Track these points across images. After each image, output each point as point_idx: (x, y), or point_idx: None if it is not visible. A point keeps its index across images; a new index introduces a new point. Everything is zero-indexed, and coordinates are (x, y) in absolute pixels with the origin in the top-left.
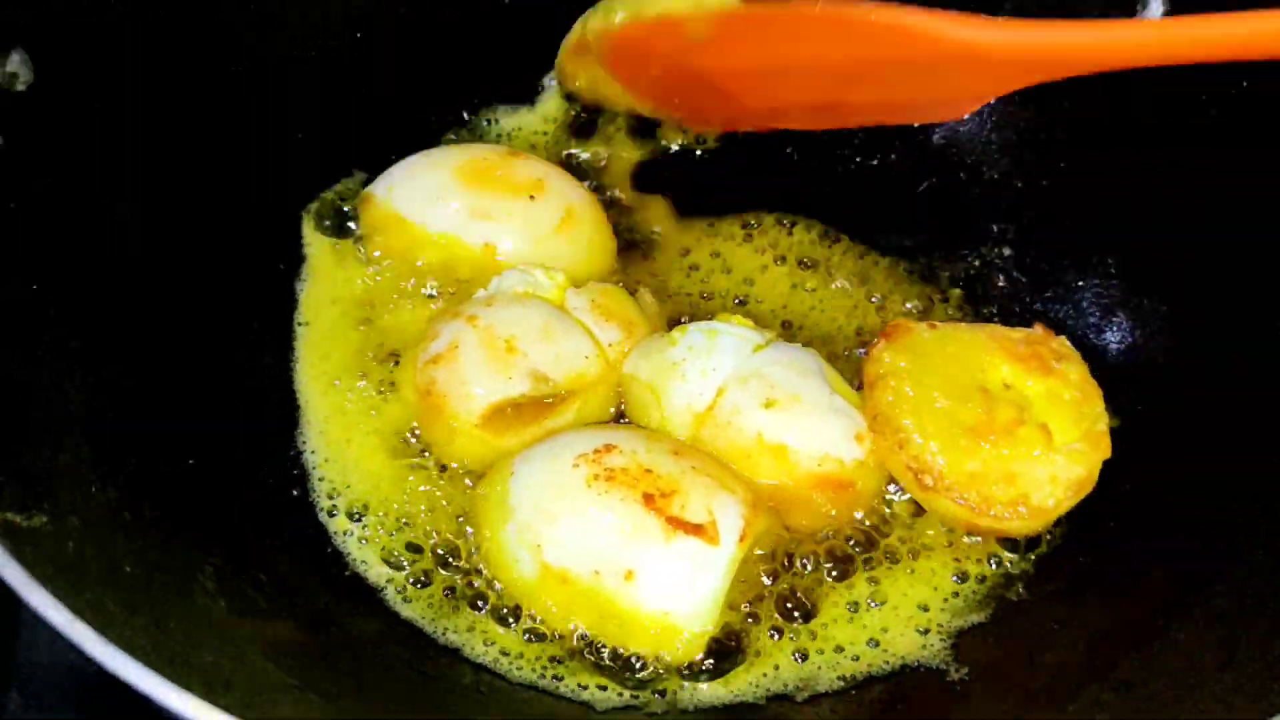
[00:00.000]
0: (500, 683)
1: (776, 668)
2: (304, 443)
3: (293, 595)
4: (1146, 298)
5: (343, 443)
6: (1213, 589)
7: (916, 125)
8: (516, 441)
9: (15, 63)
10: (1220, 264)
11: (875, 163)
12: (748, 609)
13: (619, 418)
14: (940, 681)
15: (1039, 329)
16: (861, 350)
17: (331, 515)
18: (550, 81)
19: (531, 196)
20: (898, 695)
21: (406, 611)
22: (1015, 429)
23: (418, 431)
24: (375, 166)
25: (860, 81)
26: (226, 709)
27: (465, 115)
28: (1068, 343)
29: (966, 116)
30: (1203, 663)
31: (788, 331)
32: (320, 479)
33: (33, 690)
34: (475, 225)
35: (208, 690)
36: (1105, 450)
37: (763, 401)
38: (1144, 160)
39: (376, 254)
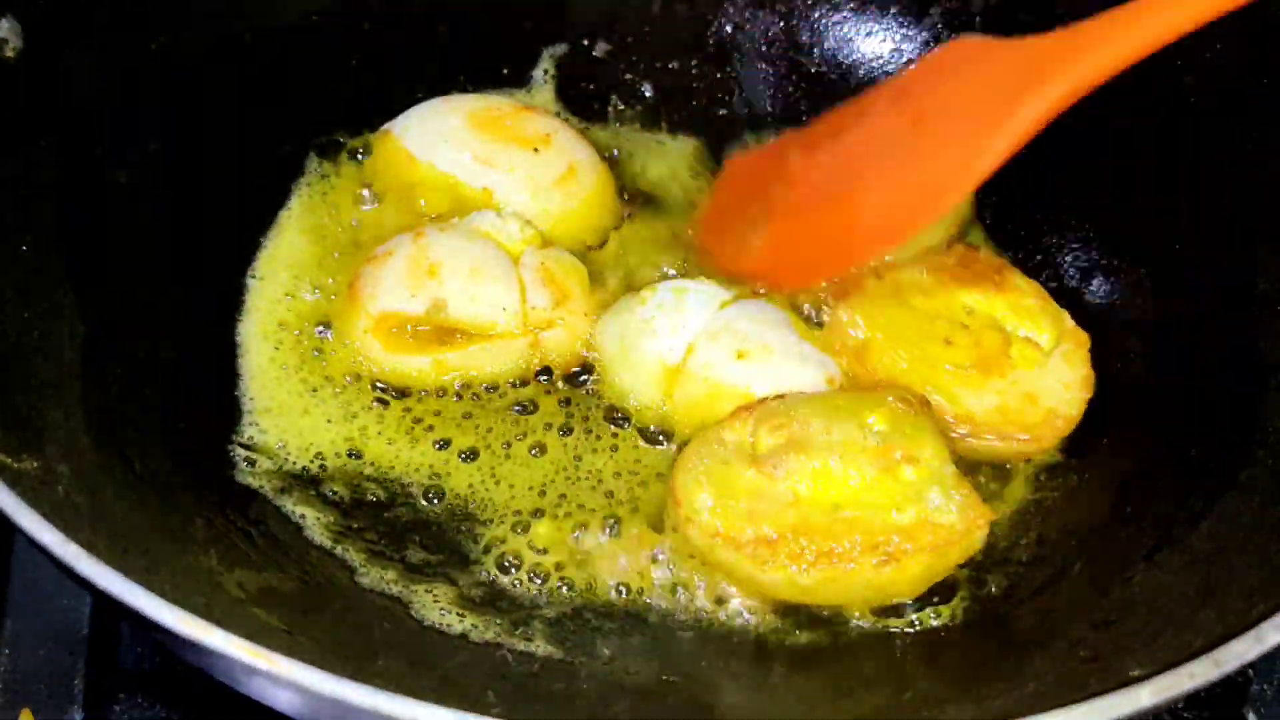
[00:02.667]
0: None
1: None
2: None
3: (284, 549)
4: (1125, 260)
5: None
6: (1194, 529)
7: None
8: (406, 363)
9: (4, 29)
10: (1195, 226)
11: None
12: None
13: (582, 373)
14: (922, 626)
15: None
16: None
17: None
18: (540, 74)
19: (536, 149)
20: (882, 644)
21: (383, 571)
22: (1007, 350)
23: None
24: None
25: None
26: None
27: None
28: (988, 252)
29: None
30: (1182, 598)
31: None
32: (309, 444)
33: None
34: (479, 170)
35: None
36: (1085, 339)
37: (734, 353)
38: (1119, 124)
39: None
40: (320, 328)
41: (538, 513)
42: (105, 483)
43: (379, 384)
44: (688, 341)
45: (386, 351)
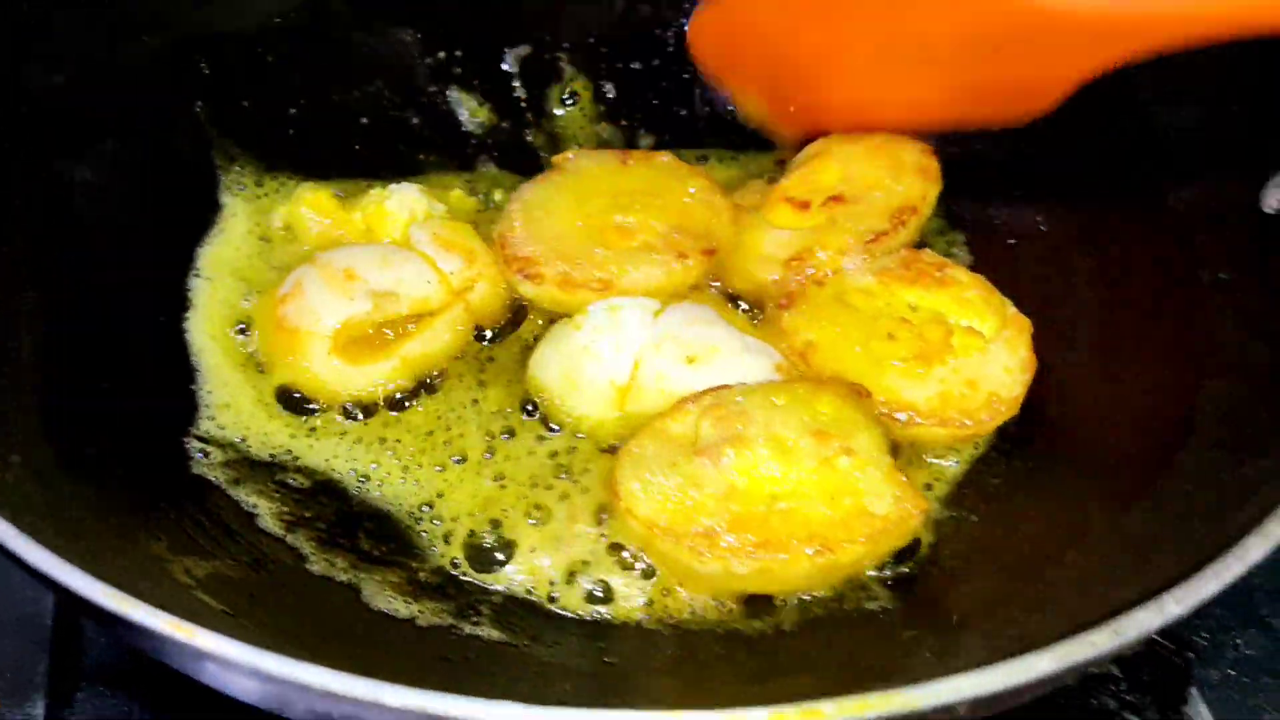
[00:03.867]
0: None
1: None
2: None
3: (235, 538)
4: (1074, 252)
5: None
6: (1127, 512)
7: None
8: (373, 370)
9: None
10: (1143, 217)
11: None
12: None
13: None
14: (860, 611)
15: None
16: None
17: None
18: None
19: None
20: (818, 626)
21: (334, 559)
22: (949, 340)
23: None
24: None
25: (942, 65)
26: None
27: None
28: (931, 251)
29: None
30: (1112, 580)
31: None
32: (258, 434)
33: None
34: None
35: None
36: (1027, 325)
37: (683, 359)
38: (1073, 121)
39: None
40: None
41: (488, 502)
42: (57, 474)
43: (348, 405)
44: (633, 357)
45: (354, 366)
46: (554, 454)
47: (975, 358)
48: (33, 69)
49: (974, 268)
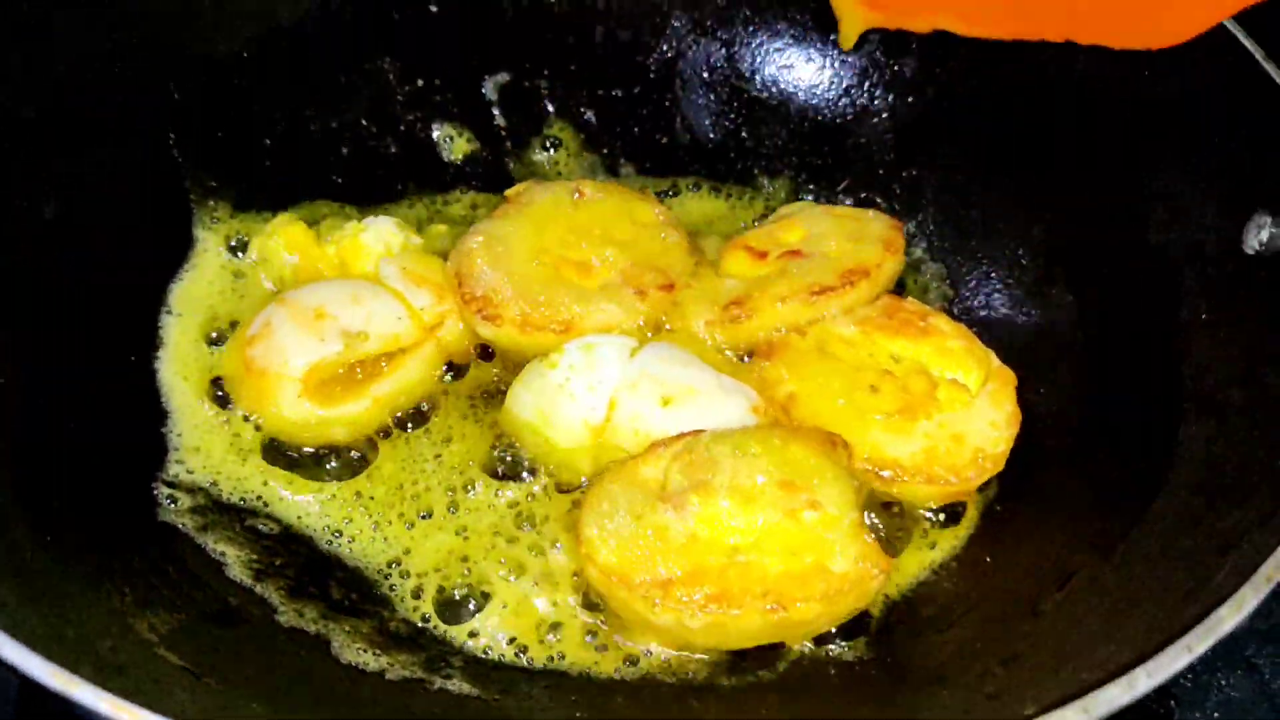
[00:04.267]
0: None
1: None
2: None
3: (202, 587)
4: (1056, 288)
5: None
6: (1106, 560)
7: (840, 122)
8: (345, 412)
9: None
10: (1124, 254)
11: (796, 161)
12: None
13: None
14: (837, 662)
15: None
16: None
17: (243, 511)
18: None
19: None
20: (790, 678)
21: (302, 609)
22: (934, 394)
23: None
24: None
25: None
26: (112, 691)
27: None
28: (914, 300)
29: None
30: (1088, 632)
31: None
32: (229, 479)
33: None
34: None
35: (97, 673)
36: (1012, 378)
37: (659, 400)
38: (1055, 156)
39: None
40: None
41: (461, 556)
42: (18, 522)
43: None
44: (608, 397)
45: (325, 408)
46: (515, 504)
47: (960, 412)
48: None
49: (953, 300)
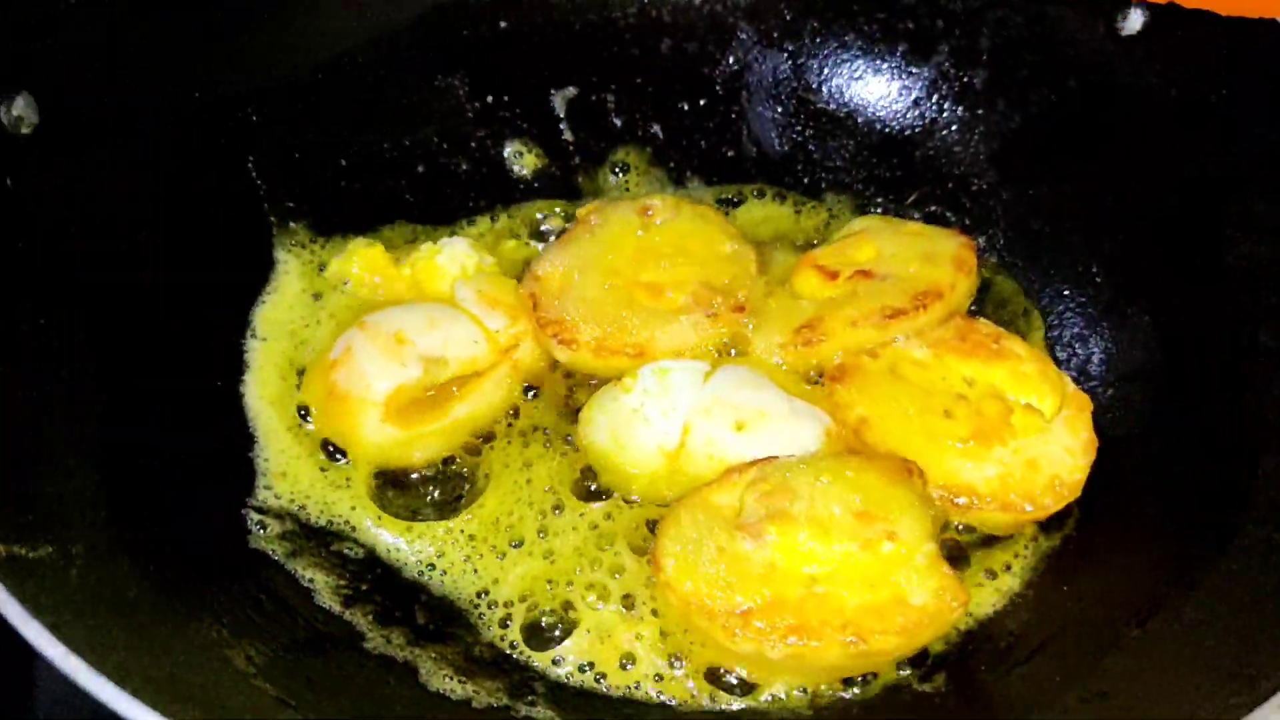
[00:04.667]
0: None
1: None
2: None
3: (294, 615)
4: (1131, 307)
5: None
6: (1186, 598)
7: (909, 134)
8: (424, 434)
9: (20, 106)
10: (1201, 273)
11: (864, 174)
12: None
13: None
14: (911, 693)
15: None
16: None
17: (330, 535)
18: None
19: None
20: (872, 703)
21: (390, 634)
22: (1009, 418)
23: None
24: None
25: None
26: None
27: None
28: (987, 321)
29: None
30: (1170, 673)
31: None
32: (317, 503)
33: None
34: None
35: (205, 714)
36: (1087, 403)
37: (732, 425)
38: (1130, 170)
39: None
40: None
41: (548, 582)
42: (120, 558)
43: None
44: (682, 422)
45: (406, 432)
46: (595, 526)
47: (1035, 438)
48: (84, 134)
49: (1026, 315)
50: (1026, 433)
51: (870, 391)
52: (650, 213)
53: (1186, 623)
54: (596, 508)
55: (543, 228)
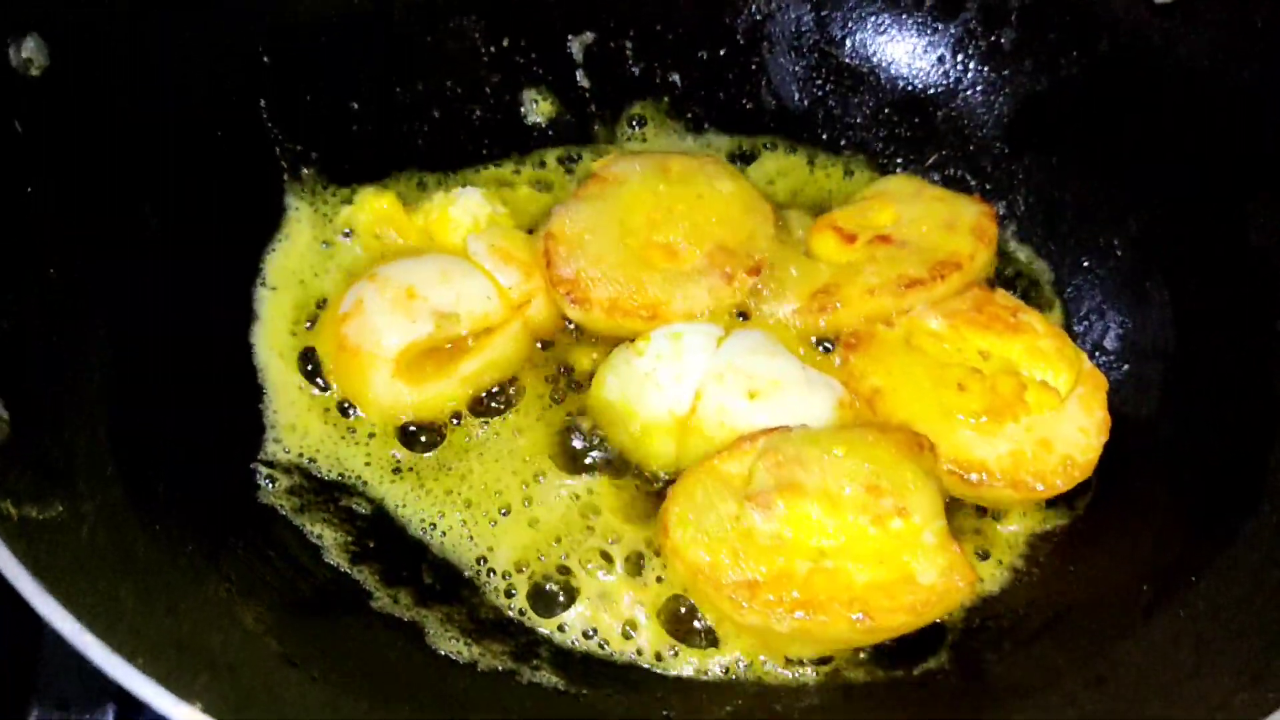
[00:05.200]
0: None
1: None
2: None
3: (302, 573)
4: (1150, 283)
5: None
6: (1193, 586)
7: (931, 94)
8: (433, 390)
9: (30, 48)
10: (1224, 252)
11: (884, 133)
12: None
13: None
14: (922, 671)
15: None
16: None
17: (338, 490)
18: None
19: None
20: (871, 691)
21: (396, 594)
22: (1022, 395)
23: None
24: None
25: None
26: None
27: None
28: (1005, 293)
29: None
30: (1175, 662)
31: None
32: (327, 457)
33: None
34: None
35: (214, 679)
36: (1103, 382)
37: (745, 393)
38: (1157, 142)
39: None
40: None
41: (555, 540)
42: (130, 517)
43: (410, 426)
44: (694, 388)
45: (414, 387)
46: (617, 501)
47: (1049, 416)
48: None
49: (1043, 285)
50: (1040, 409)
51: (884, 362)
52: (667, 168)
53: (1193, 614)
54: (587, 479)
55: (556, 177)
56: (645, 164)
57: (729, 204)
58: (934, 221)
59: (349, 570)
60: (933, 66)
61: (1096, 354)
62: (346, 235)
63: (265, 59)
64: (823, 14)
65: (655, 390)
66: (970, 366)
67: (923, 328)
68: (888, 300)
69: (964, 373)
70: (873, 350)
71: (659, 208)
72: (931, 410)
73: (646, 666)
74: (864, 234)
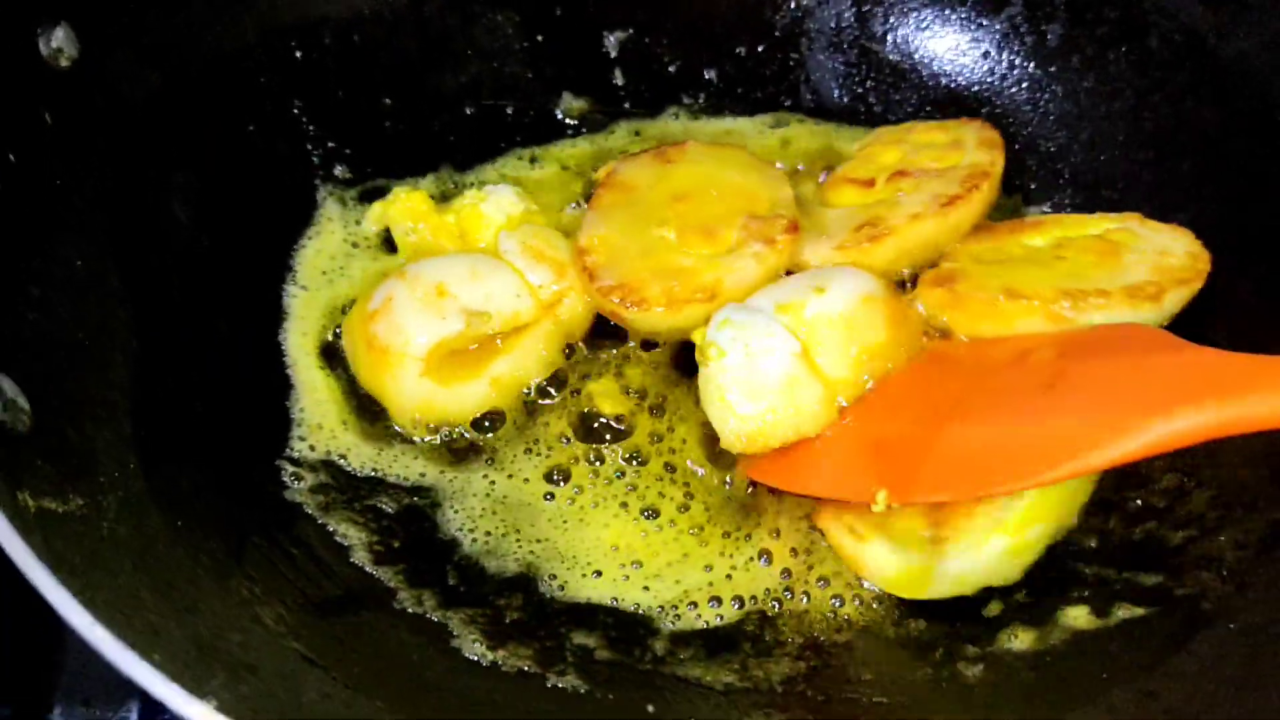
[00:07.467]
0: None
1: None
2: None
3: (326, 572)
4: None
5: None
6: (1243, 598)
7: (975, 90)
8: (462, 391)
9: (60, 38)
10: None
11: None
12: None
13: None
14: (949, 678)
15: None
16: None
17: (363, 488)
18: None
19: None
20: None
21: (421, 594)
22: (1112, 240)
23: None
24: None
25: None
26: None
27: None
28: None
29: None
30: (1223, 677)
31: None
32: (355, 455)
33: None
34: None
35: (232, 678)
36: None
37: (813, 290)
38: (1208, 143)
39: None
40: None
41: (583, 548)
42: (151, 510)
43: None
44: (795, 349)
45: (444, 387)
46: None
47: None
48: (124, 68)
49: None
50: (1134, 241)
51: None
52: (666, 159)
53: (1241, 630)
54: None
55: (591, 176)
56: (645, 161)
57: (743, 175)
58: (940, 147)
59: (373, 570)
60: (976, 63)
61: None
62: (377, 232)
63: (297, 54)
64: (864, 9)
65: (767, 357)
66: (1054, 256)
67: (991, 248)
68: (932, 222)
69: (1050, 258)
70: (955, 274)
71: (674, 196)
72: (1038, 283)
73: (671, 674)
74: (880, 176)
